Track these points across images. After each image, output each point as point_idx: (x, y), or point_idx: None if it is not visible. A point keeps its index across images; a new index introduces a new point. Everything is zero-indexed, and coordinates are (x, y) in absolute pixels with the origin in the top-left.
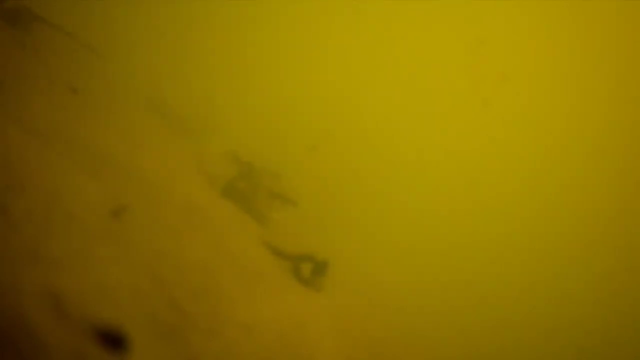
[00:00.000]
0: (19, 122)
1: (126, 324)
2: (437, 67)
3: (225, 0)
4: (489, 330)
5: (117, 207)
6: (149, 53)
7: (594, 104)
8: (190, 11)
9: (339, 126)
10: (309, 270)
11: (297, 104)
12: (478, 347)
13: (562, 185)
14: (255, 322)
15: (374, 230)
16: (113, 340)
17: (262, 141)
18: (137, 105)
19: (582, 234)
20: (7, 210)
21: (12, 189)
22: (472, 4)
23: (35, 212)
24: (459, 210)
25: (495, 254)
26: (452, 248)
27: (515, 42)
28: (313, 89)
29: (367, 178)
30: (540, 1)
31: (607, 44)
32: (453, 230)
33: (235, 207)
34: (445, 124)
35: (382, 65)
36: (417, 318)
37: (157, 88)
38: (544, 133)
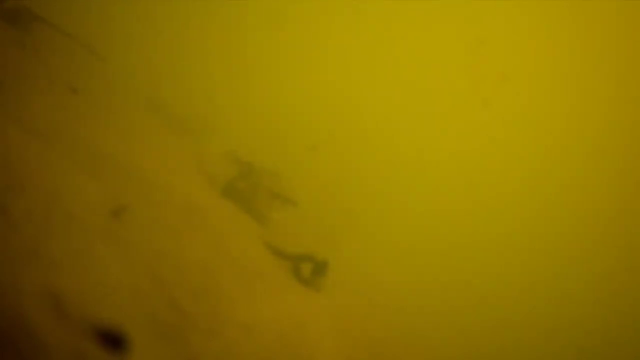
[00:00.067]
0: (19, 122)
1: (126, 324)
2: (437, 67)
3: (225, 0)
4: (489, 330)
5: (117, 207)
6: (148, 53)
7: (594, 104)
8: (190, 11)
9: (339, 126)
10: (309, 270)
11: (297, 104)
12: (478, 347)
13: (562, 185)
14: (255, 322)
15: (374, 230)
16: (113, 340)
17: (262, 141)
18: (137, 105)
19: (582, 234)
20: (7, 210)
21: (12, 189)
22: (472, 4)
23: (35, 212)
24: (459, 210)
25: (495, 254)
26: (452, 248)
27: (515, 42)
28: (313, 88)
29: (367, 178)
30: (540, 1)
31: (607, 44)
32: (453, 230)
33: (235, 207)
34: (445, 124)
35: (382, 66)
36: (417, 318)
37: (157, 88)
38: (544, 133)
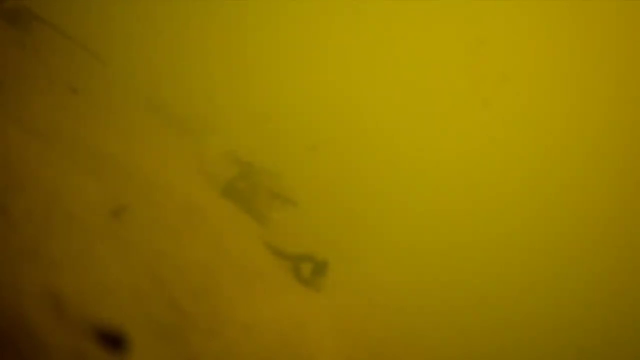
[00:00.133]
0: (19, 122)
1: (126, 324)
2: (437, 67)
3: (225, 0)
4: (489, 330)
5: (117, 207)
6: (148, 53)
7: (594, 104)
8: (190, 11)
9: (339, 126)
10: (309, 270)
11: (297, 104)
12: (478, 347)
13: (562, 185)
14: (255, 322)
15: (374, 230)
16: (113, 340)
17: (262, 141)
18: (137, 105)
19: (582, 234)
20: (7, 210)
21: (12, 189)
22: (472, 4)
23: (35, 212)
24: (459, 210)
25: (495, 254)
26: (452, 248)
27: (515, 42)
28: (313, 89)
29: (367, 178)
30: (540, 1)
31: (607, 44)
32: (453, 230)
33: (235, 207)
34: (445, 124)
35: (382, 66)
36: (417, 318)
37: (157, 88)
38: (544, 133)
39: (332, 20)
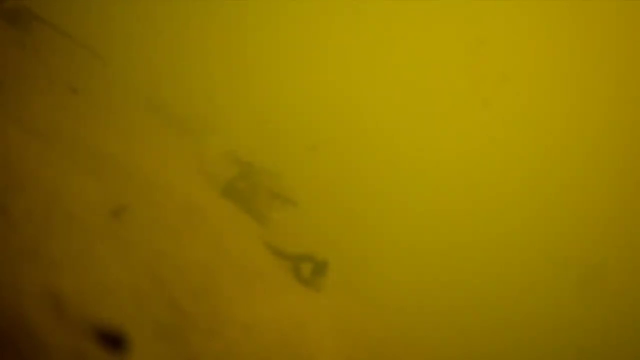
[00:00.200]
0: (19, 122)
1: (126, 324)
2: (437, 67)
3: (225, 0)
4: (489, 330)
5: (117, 207)
6: (148, 53)
7: (594, 104)
8: (190, 11)
9: (339, 126)
10: (309, 270)
11: (297, 104)
12: (478, 347)
13: (562, 185)
14: (255, 322)
15: (373, 230)
16: (113, 340)
17: (262, 141)
18: (137, 105)
19: (582, 234)
20: (7, 210)
21: (12, 189)
22: (472, 4)
23: (35, 212)
24: (459, 210)
25: (495, 254)
26: (452, 248)
27: (515, 42)
28: (313, 89)
29: (367, 178)
30: (540, 1)
31: (607, 44)
32: (453, 230)
33: (235, 207)
34: (445, 124)
35: (382, 66)
36: (417, 318)
37: (157, 88)
38: (544, 133)
39: (332, 20)
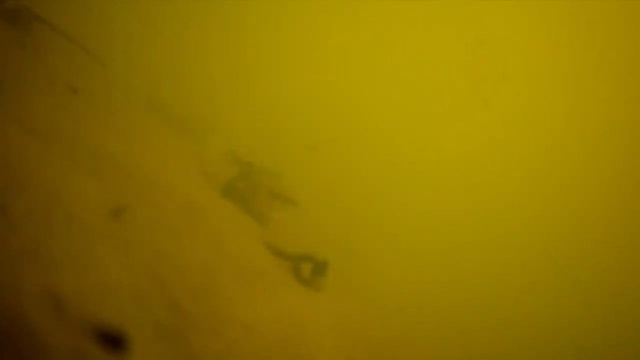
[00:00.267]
0: (19, 122)
1: (126, 324)
2: (437, 67)
3: (225, 0)
4: (489, 330)
5: (117, 207)
6: (148, 53)
7: (594, 104)
8: (189, 11)
9: (339, 126)
10: (309, 270)
11: (297, 104)
12: (478, 347)
13: (562, 185)
14: (255, 322)
15: (373, 230)
16: (113, 340)
17: (262, 141)
18: (137, 105)
19: (582, 234)
20: (7, 210)
21: (12, 189)
22: (472, 4)
23: (35, 212)
24: (458, 210)
25: (495, 254)
26: (452, 248)
27: (515, 42)
28: (313, 89)
29: (367, 178)
30: (540, 1)
31: (607, 44)
32: (453, 230)
33: (235, 207)
34: (445, 124)
35: (382, 66)
36: (417, 318)
37: (157, 88)
38: (544, 133)
39: (332, 20)
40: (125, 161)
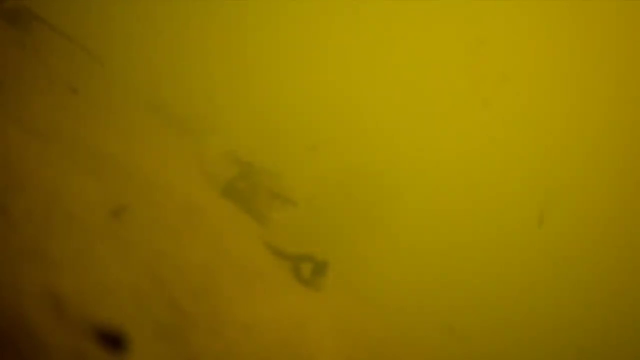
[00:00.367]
0: (19, 122)
1: (126, 324)
2: (437, 67)
3: (225, 1)
4: (489, 330)
5: (117, 207)
6: (148, 53)
7: (594, 104)
8: (189, 12)
9: (339, 126)
10: (309, 270)
11: (297, 104)
12: (478, 347)
13: (562, 185)
14: (255, 322)
15: (373, 231)
16: (113, 340)
17: (262, 141)
18: (136, 106)
19: (582, 234)
20: (7, 210)
21: (12, 189)
22: (472, 4)
23: (35, 212)
24: (459, 210)
25: (495, 254)
26: (452, 248)
27: (515, 42)
28: (313, 89)
29: (366, 178)
30: (540, 1)
31: (607, 44)
32: (453, 230)
33: (235, 207)
34: (445, 124)
35: (382, 66)
36: (417, 318)
37: (157, 88)
38: (544, 133)
39: (332, 20)
40: (125, 161)
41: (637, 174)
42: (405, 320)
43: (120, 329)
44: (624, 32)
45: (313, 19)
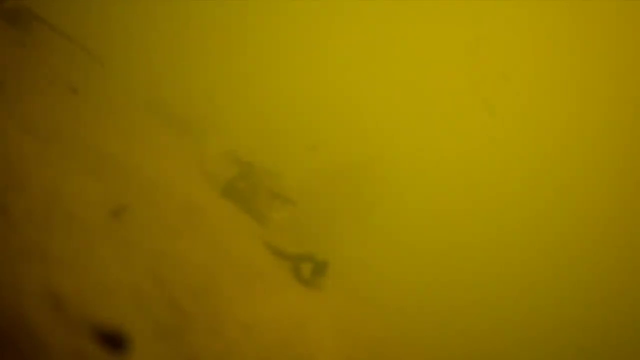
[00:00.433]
0: (19, 122)
1: (126, 324)
2: (437, 67)
3: (225, 1)
4: (489, 330)
5: (117, 207)
6: (148, 53)
7: (594, 104)
8: (189, 12)
9: (339, 126)
10: (309, 270)
11: (297, 104)
12: (478, 347)
13: (562, 185)
14: (255, 322)
15: (374, 231)
16: (113, 340)
17: (262, 141)
18: (136, 106)
19: (582, 234)
20: (7, 210)
21: (12, 189)
22: (473, 4)
23: (35, 212)
24: (459, 210)
25: (495, 254)
26: (452, 248)
27: (515, 42)
28: (313, 88)
29: (366, 178)
30: (540, 1)
31: (607, 44)
32: (453, 231)
33: (235, 207)
34: (445, 124)
35: (382, 65)
36: (417, 318)
37: (157, 88)
38: (544, 133)
39: (332, 20)
40: (125, 161)
41: (637, 174)
42: (405, 320)
43: (120, 329)
44: (624, 32)
45: (313, 19)
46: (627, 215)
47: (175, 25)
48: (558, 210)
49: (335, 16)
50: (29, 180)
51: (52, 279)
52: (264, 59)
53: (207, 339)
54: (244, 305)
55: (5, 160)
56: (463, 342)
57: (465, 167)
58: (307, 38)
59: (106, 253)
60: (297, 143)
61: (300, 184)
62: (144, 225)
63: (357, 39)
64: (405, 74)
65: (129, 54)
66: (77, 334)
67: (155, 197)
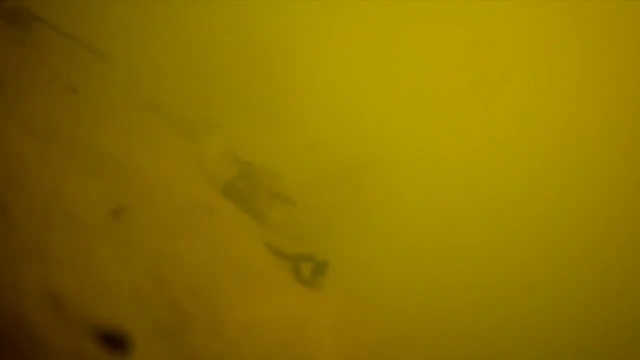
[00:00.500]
0: (19, 122)
1: (126, 324)
2: (437, 66)
3: (226, 1)
4: (489, 330)
5: (117, 207)
6: (149, 53)
7: (594, 104)
8: (190, 11)
9: (339, 126)
10: (309, 270)
11: (297, 103)
12: (478, 347)
13: (562, 185)
14: (255, 322)
15: (374, 230)
16: (113, 340)
17: (262, 141)
18: (137, 106)
19: (582, 234)
20: (7, 210)
21: (12, 189)
22: (473, 4)
23: (35, 212)
24: (459, 210)
25: (495, 254)
26: (452, 248)
27: (515, 42)
28: (313, 88)
29: (366, 178)
30: (540, 1)
31: (607, 44)
32: (453, 230)
33: (235, 207)
34: (445, 124)
35: (382, 65)
36: (417, 318)
37: (157, 88)
38: (544, 133)
39: (331, 20)
40: (125, 161)
41: (637, 174)
42: (405, 320)
43: (121, 329)
44: (624, 32)
45: (313, 19)
46: (627, 215)
47: (176, 25)
48: (558, 210)
49: (335, 16)
50: (29, 180)
51: (52, 279)
52: (264, 58)
53: (207, 339)
54: (244, 305)
55: (5, 160)
56: (463, 342)
57: (465, 167)
58: (307, 38)
59: (106, 253)
60: (297, 143)
61: (300, 184)
62: (144, 225)
63: (357, 39)
64: (405, 74)
65: (129, 54)
66: (77, 334)
67: (155, 197)
